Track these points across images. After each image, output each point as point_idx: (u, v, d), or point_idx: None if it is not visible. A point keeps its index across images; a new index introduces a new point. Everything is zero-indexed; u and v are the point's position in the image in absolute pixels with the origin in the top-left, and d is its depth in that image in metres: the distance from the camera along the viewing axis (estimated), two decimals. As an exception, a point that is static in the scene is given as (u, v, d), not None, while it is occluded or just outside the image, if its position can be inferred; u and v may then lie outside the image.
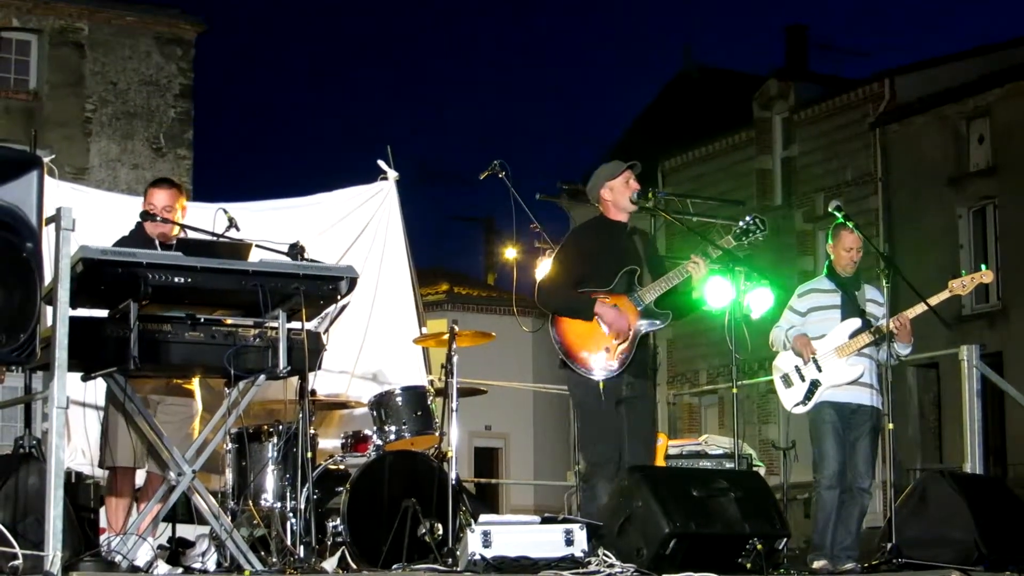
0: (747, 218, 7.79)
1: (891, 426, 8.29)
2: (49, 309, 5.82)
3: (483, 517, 7.28)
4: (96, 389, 7.44)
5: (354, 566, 7.55)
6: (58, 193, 8.56)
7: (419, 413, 8.55)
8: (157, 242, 7.38)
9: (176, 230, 7.46)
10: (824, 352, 8.32)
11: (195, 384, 7.54)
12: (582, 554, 6.93)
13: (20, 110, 28.20)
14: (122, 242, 7.34)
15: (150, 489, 7.27)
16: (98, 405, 7.94)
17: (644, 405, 7.80)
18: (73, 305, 5.91)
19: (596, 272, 7.71)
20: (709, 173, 31.91)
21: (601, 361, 7.59)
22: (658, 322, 7.74)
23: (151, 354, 6.44)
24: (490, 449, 33.64)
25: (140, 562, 6.69)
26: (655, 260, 7.98)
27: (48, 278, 5.79)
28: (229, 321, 6.75)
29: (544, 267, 8.43)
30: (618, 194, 7.84)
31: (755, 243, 7.75)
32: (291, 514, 7.46)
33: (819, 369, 8.33)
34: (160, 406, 7.34)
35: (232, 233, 7.29)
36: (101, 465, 7.49)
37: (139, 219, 7.53)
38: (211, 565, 7.13)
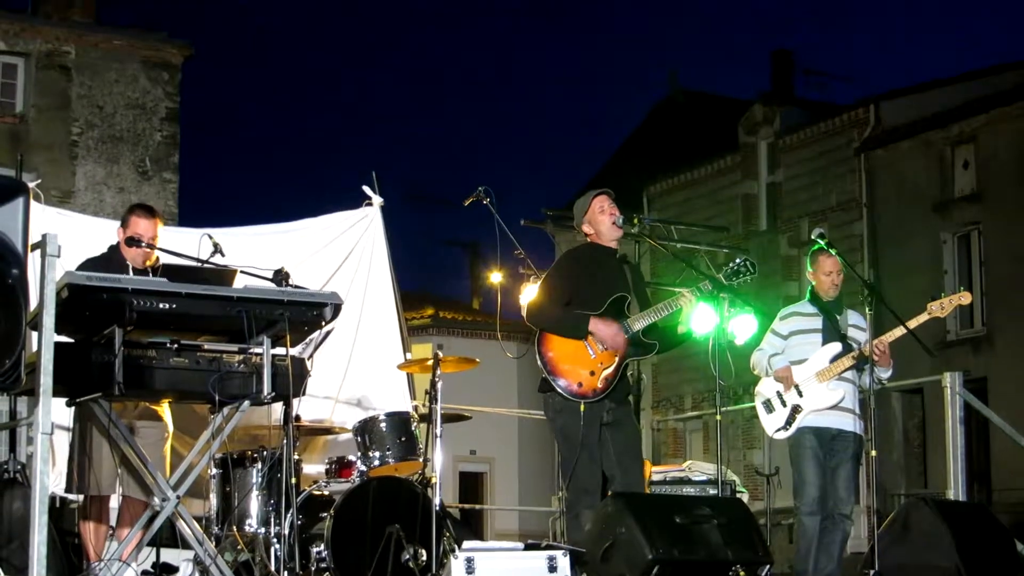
0: (738, 260, 7.79)
1: (874, 453, 8.30)
2: (34, 335, 5.84)
3: (467, 543, 7.29)
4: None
5: (338, 592, 7.55)
6: (43, 218, 8.58)
7: (403, 439, 8.56)
8: (131, 267, 7.39)
9: (155, 257, 7.47)
10: (805, 377, 8.33)
11: (164, 406, 7.55)
12: (565, 580, 6.94)
13: (6, 133, 28.16)
14: (91, 263, 7.34)
15: (129, 514, 7.27)
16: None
17: (629, 429, 7.80)
18: (58, 331, 5.92)
19: (585, 296, 7.69)
20: (694, 198, 31.96)
21: (587, 382, 7.57)
22: (644, 352, 7.78)
23: (136, 379, 6.45)
24: (475, 474, 33.62)
25: (124, 588, 6.69)
26: (642, 290, 7.99)
27: (33, 304, 5.80)
28: (214, 347, 6.76)
29: (530, 292, 8.43)
30: (596, 224, 7.85)
31: (744, 285, 7.76)
32: (275, 539, 7.46)
33: (800, 394, 8.33)
34: (135, 430, 7.35)
35: (217, 259, 7.30)
36: (79, 491, 7.44)
37: (115, 244, 7.55)
38: (195, 591, 7.12)
